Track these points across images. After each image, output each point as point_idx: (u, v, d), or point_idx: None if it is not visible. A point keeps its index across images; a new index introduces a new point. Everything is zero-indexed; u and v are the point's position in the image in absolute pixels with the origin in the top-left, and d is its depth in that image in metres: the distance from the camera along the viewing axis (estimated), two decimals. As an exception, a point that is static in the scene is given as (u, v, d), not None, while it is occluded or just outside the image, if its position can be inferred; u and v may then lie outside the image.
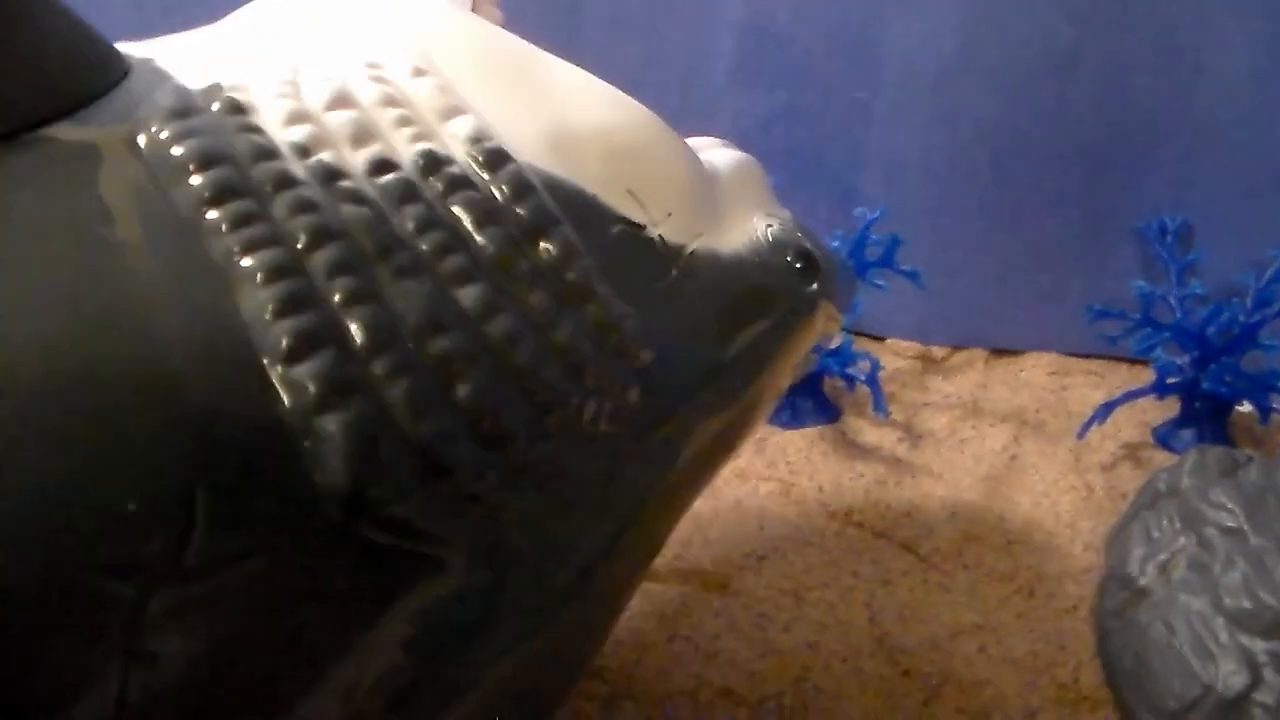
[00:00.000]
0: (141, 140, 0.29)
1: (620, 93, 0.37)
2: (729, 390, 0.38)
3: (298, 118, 0.31)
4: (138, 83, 0.31)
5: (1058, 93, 0.73)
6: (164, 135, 0.29)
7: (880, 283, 0.70)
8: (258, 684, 0.25)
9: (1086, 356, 0.78)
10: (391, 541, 0.27)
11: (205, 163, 0.28)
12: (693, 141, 0.41)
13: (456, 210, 0.31)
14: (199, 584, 0.24)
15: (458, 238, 0.31)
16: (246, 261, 0.27)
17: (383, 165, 0.31)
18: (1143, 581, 0.53)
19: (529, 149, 0.34)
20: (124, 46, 0.33)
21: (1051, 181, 0.75)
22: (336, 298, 0.27)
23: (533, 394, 0.30)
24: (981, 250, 0.77)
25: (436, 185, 0.31)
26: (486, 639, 0.30)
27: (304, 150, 0.30)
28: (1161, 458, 0.67)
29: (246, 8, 0.37)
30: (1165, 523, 0.54)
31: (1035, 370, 0.77)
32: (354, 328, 0.27)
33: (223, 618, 0.24)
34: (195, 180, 0.28)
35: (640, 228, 0.35)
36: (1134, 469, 0.66)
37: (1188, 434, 0.69)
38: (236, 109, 0.30)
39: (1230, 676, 0.47)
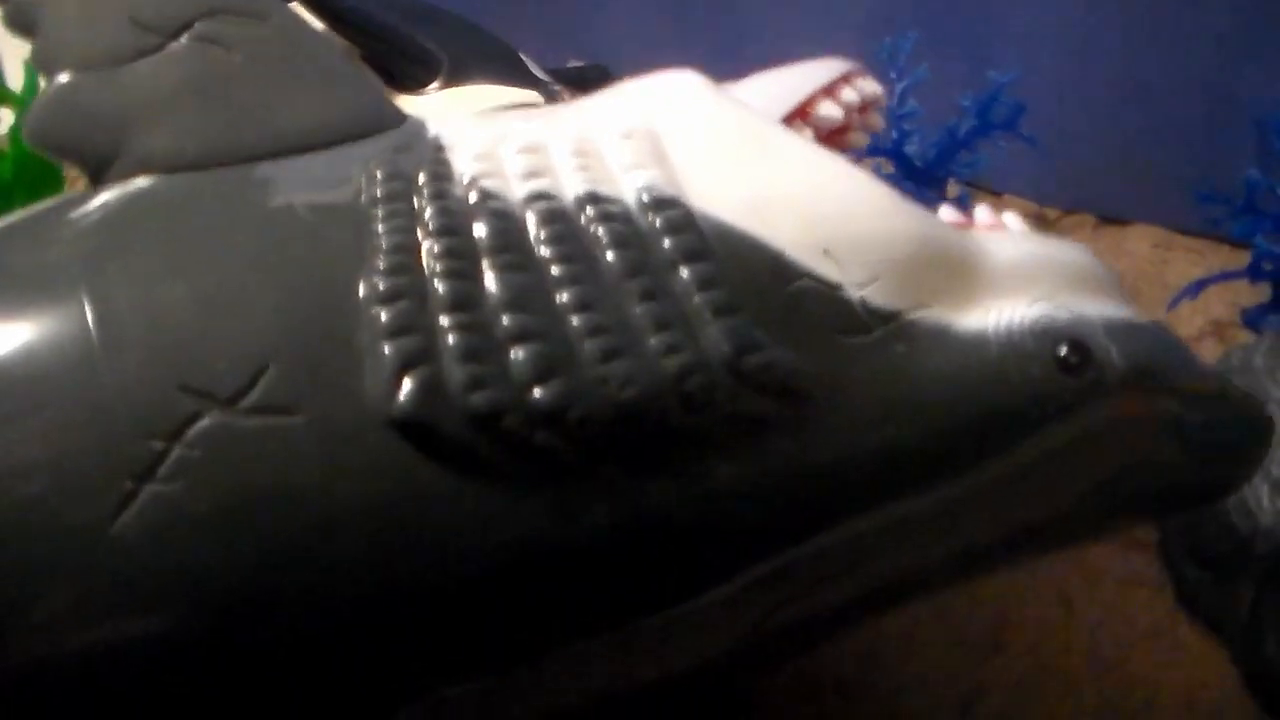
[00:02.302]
0: (370, 162, 0.37)
1: (846, 164, 0.39)
2: (935, 468, 0.36)
3: (482, 157, 0.37)
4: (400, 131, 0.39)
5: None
6: (380, 157, 0.36)
7: (1002, 144, 0.74)
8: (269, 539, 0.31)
9: (1190, 235, 0.81)
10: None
11: (388, 177, 0.36)
12: (991, 227, 0.42)
13: (597, 232, 0.35)
14: (247, 419, 0.31)
15: (583, 251, 0.34)
16: (382, 240, 0.34)
17: (539, 195, 0.36)
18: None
19: (717, 205, 0.36)
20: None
21: (1180, 65, 0.77)
22: (435, 267, 0.33)
23: (606, 385, 0.32)
24: (1104, 123, 0.80)
25: (589, 212, 0.35)
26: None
27: (472, 178, 0.36)
28: (1245, 338, 0.70)
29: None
30: (1232, 395, 0.59)
31: (1139, 241, 0.80)
32: (439, 288, 0.33)
33: (251, 465, 0.31)
34: (377, 189, 0.35)
35: (833, 286, 0.36)
36: (1217, 345, 0.71)
37: (1276, 319, 0.72)
38: (439, 148, 0.37)
39: (1265, 536, 0.52)
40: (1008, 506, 0.39)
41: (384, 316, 0.32)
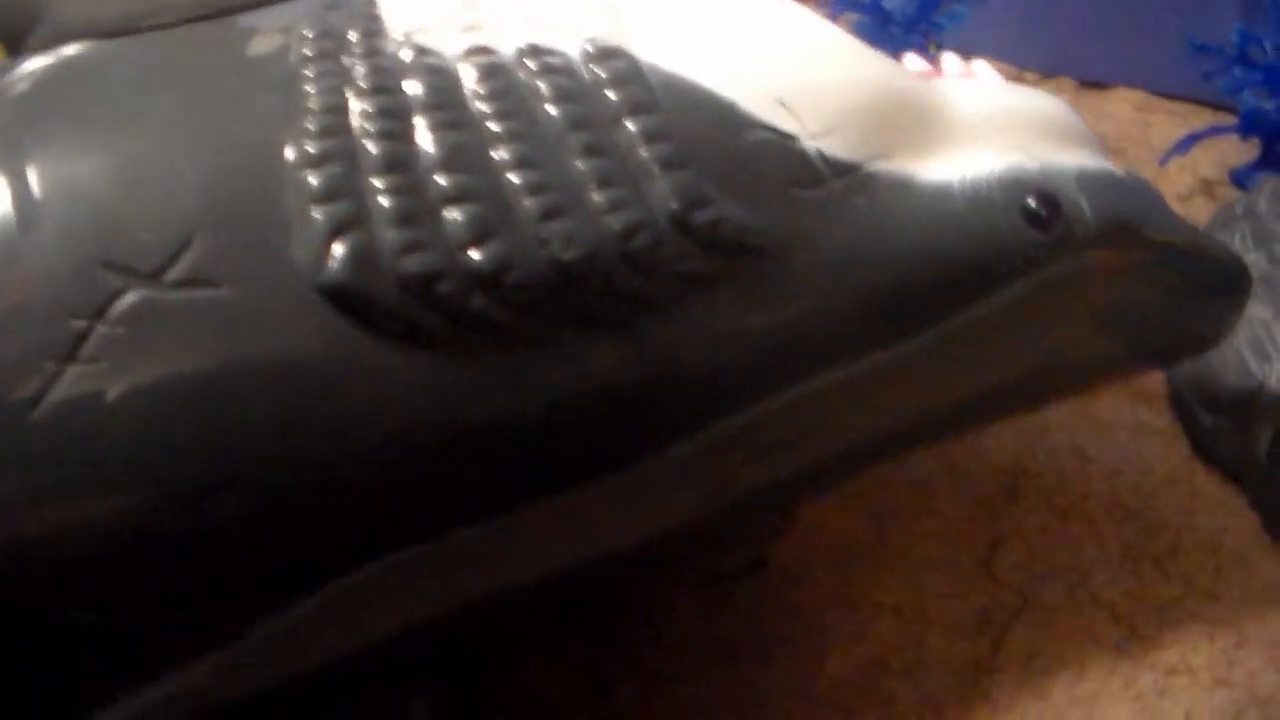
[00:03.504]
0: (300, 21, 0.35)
1: (803, 11, 0.38)
2: (896, 323, 0.36)
3: (419, 11, 0.35)
4: None
5: None
6: (310, 15, 0.35)
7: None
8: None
9: (1173, 98, 0.79)
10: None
11: (319, 35, 0.34)
12: (959, 71, 0.42)
13: (538, 86, 0.33)
14: (172, 293, 0.29)
15: (522, 106, 0.33)
16: (312, 101, 0.32)
17: (477, 50, 0.34)
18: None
19: (667, 55, 0.35)
20: None
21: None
22: (366, 127, 0.32)
23: (546, 245, 0.31)
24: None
25: (530, 66, 0.34)
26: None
27: (406, 34, 0.34)
28: (1235, 197, 0.69)
29: None
30: (1238, 240, 0.57)
31: (1121, 104, 0.78)
32: (370, 149, 0.31)
33: (178, 340, 0.29)
34: (306, 48, 0.34)
35: (789, 137, 0.35)
36: (1207, 202, 0.69)
37: (1265, 177, 0.71)
38: (372, 3, 0.35)
39: None
40: (976, 361, 0.38)
41: (312, 181, 0.30)
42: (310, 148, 0.31)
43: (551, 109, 0.33)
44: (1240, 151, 0.72)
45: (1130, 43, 0.79)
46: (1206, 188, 0.71)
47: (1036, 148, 0.39)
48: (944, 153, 0.37)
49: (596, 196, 0.32)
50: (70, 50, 0.34)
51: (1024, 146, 0.39)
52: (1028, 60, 0.80)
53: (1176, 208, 0.68)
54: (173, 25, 0.35)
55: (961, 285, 0.36)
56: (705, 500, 0.36)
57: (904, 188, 0.36)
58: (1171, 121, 0.77)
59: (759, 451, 0.36)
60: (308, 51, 0.34)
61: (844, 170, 0.35)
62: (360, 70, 0.33)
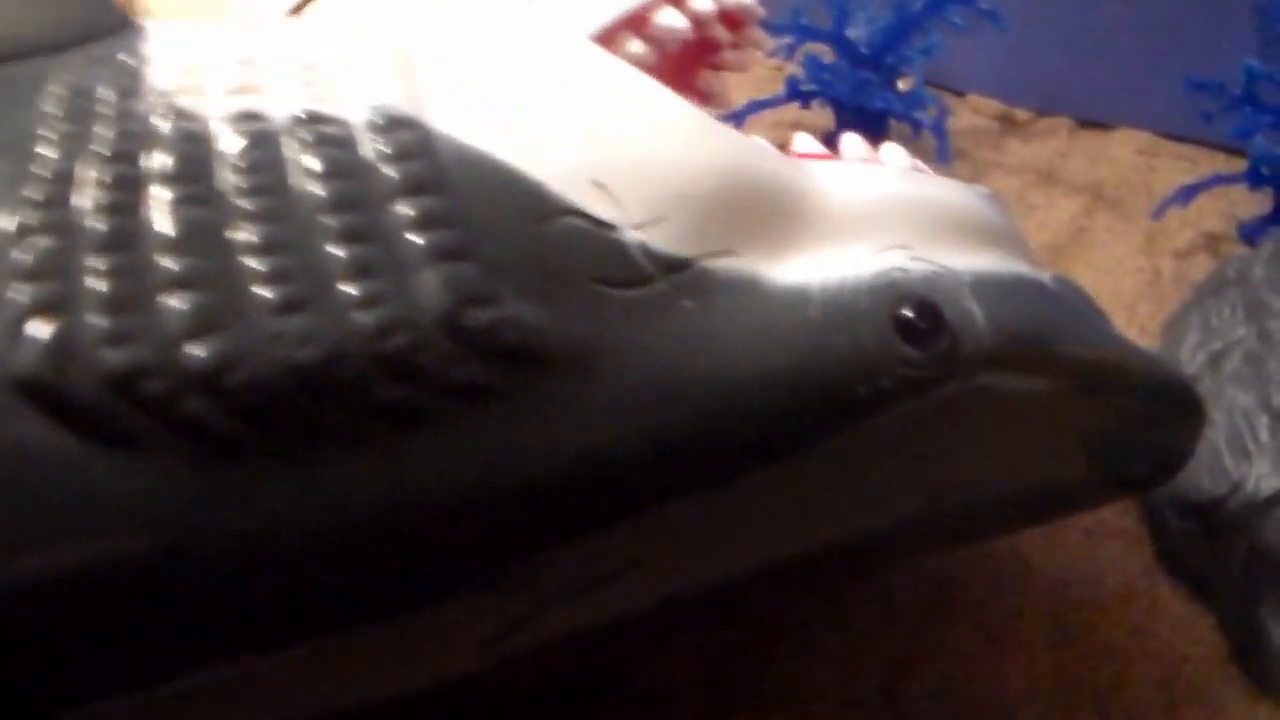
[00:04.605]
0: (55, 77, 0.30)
1: (638, 76, 0.32)
2: (730, 456, 0.29)
3: (189, 70, 0.30)
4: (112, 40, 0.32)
5: None
6: (68, 71, 0.30)
7: (957, 20, 0.64)
8: None
9: (1181, 140, 0.72)
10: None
11: (71, 94, 0.29)
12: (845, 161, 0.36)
13: (307, 159, 0.28)
14: None
15: (283, 182, 0.28)
16: (40, 167, 0.27)
17: (245, 115, 0.29)
18: (1191, 370, 0.49)
19: (469, 127, 0.30)
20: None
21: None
22: (95, 199, 0.27)
23: (278, 343, 0.26)
24: (1083, 11, 0.71)
25: (302, 136, 0.29)
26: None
27: (165, 95, 0.29)
28: (1243, 253, 0.62)
29: None
30: (1227, 311, 0.50)
31: (1123, 147, 0.71)
32: (91, 224, 0.26)
33: None
34: (52, 107, 0.29)
35: (605, 226, 0.29)
36: (1210, 260, 0.62)
37: (1272, 234, 0.63)
38: (141, 59, 0.31)
39: (1264, 479, 0.44)
40: (835, 507, 0.32)
41: (19, 256, 0.26)
42: (24, 219, 0.26)
43: (315, 186, 0.28)
44: (1252, 202, 0.65)
45: (1135, 81, 0.72)
46: (1210, 243, 0.64)
47: (927, 247, 0.33)
48: (806, 250, 0.31)
49: (349, 289, 0.27)
50: None
51: (910, 245, 0.32)
52: (1019, 97, 0.74)
53: (1173, 263, 0.62)
54: None
55: (812, 410, 0.29)
56: (487, 650, 0.30)
57: (747, 290, 0.30)
58: (1178, 167, 0.70)
59: (556, 595, 0.30)
60: (52, 110, 0.29)
61: (671, 267, 0.29)
62: (104, 134, 0.28)
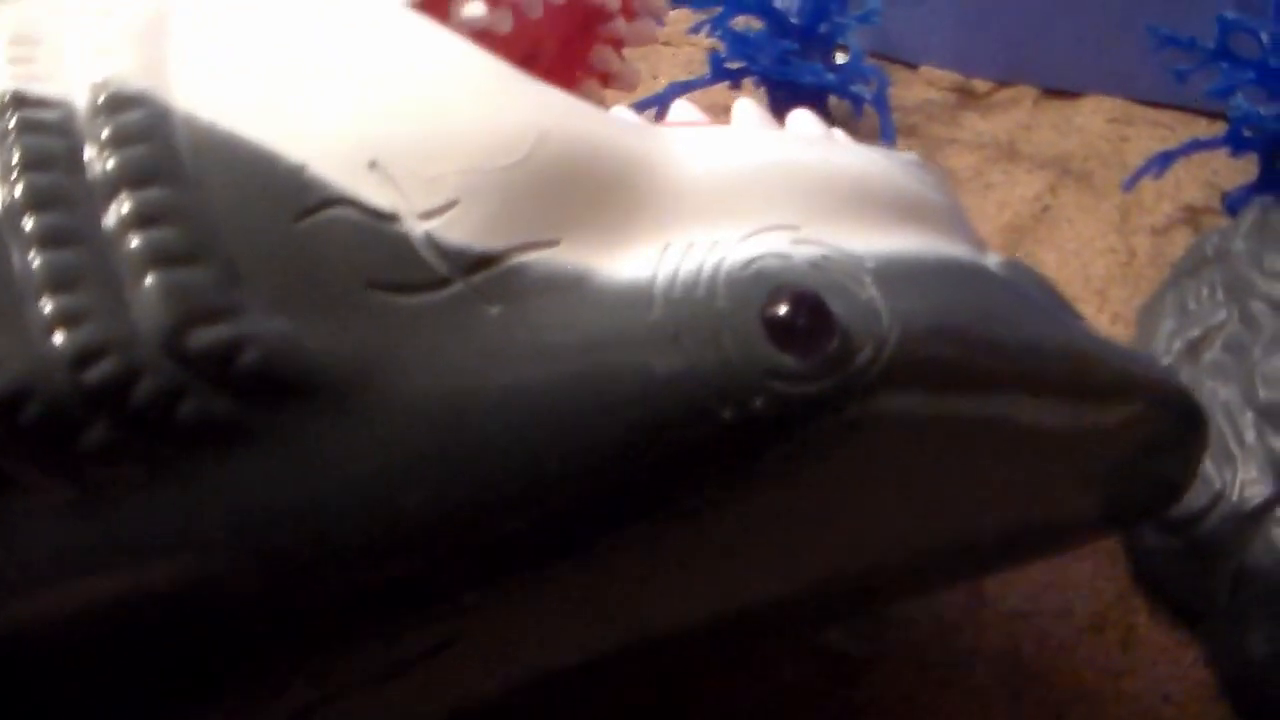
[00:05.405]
0: None
1: (428, 29, 0.27)
2: (528, 516, 0.24)
3: None
4: None
5: None
6: None
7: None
8: None
9: (1157, 105, 0.66)
10: None
11: None
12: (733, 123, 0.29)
13: (8, 153, 0.24)
14: None
15: None
16: None
17: None
18: (1166, 361, 0.43)
19: (221, 102, 0.25)
20: None
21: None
22: None
23: None
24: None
25: (6, 125, 0.25)
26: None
27: None
28: (1223, 226, 0.56)
29: None
30: (1205, 292, 0.45)
31: (1093, 115, 0.65)
32: None
33: None
34: None
35: (382, 216, 0.24)
36: (1191, 236, 0.56)
37: (1255, 203, 0.58)
38: None
39: (1251, 485, 0.38)
40: (705, 578, 0.26)
41: None
42: None
43: (10, 184, 0.24)
44: (1235, 170, 0.59)
45: (1104, 43, 0.66)
46: (1190, 217, 0.58)
47: (819, 226, 0.26)
48: (654, 237, 0.25)
49: (45, 305, 0.23)
50: None
51: (797, 225, 0.26)
52: (977, 67, 0.68)
53: (1150, 241, 0.56)
54: None
55: (662, 444, 0.23)
56: None
57: (573, 290, 0.24)
58: (1154, 135, 0.64)
59: (354, 682, 0.24)
60: None
61: (471, 265, 0.24)
62: None
